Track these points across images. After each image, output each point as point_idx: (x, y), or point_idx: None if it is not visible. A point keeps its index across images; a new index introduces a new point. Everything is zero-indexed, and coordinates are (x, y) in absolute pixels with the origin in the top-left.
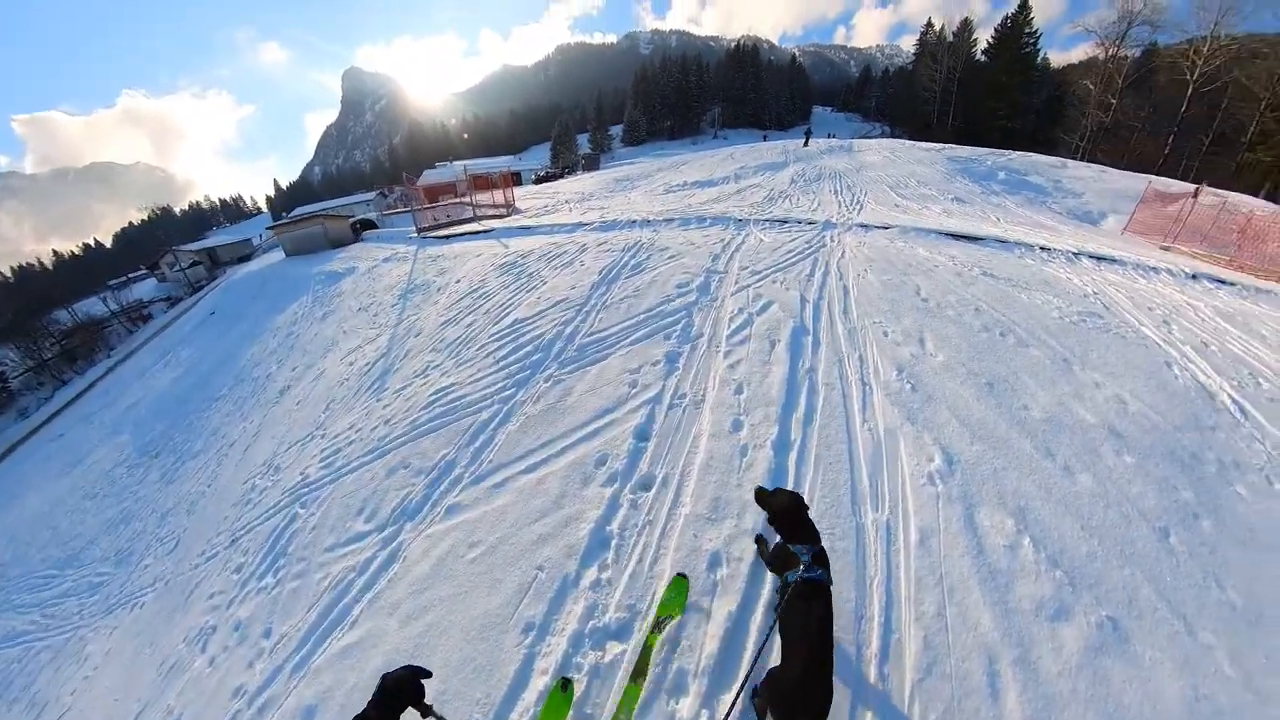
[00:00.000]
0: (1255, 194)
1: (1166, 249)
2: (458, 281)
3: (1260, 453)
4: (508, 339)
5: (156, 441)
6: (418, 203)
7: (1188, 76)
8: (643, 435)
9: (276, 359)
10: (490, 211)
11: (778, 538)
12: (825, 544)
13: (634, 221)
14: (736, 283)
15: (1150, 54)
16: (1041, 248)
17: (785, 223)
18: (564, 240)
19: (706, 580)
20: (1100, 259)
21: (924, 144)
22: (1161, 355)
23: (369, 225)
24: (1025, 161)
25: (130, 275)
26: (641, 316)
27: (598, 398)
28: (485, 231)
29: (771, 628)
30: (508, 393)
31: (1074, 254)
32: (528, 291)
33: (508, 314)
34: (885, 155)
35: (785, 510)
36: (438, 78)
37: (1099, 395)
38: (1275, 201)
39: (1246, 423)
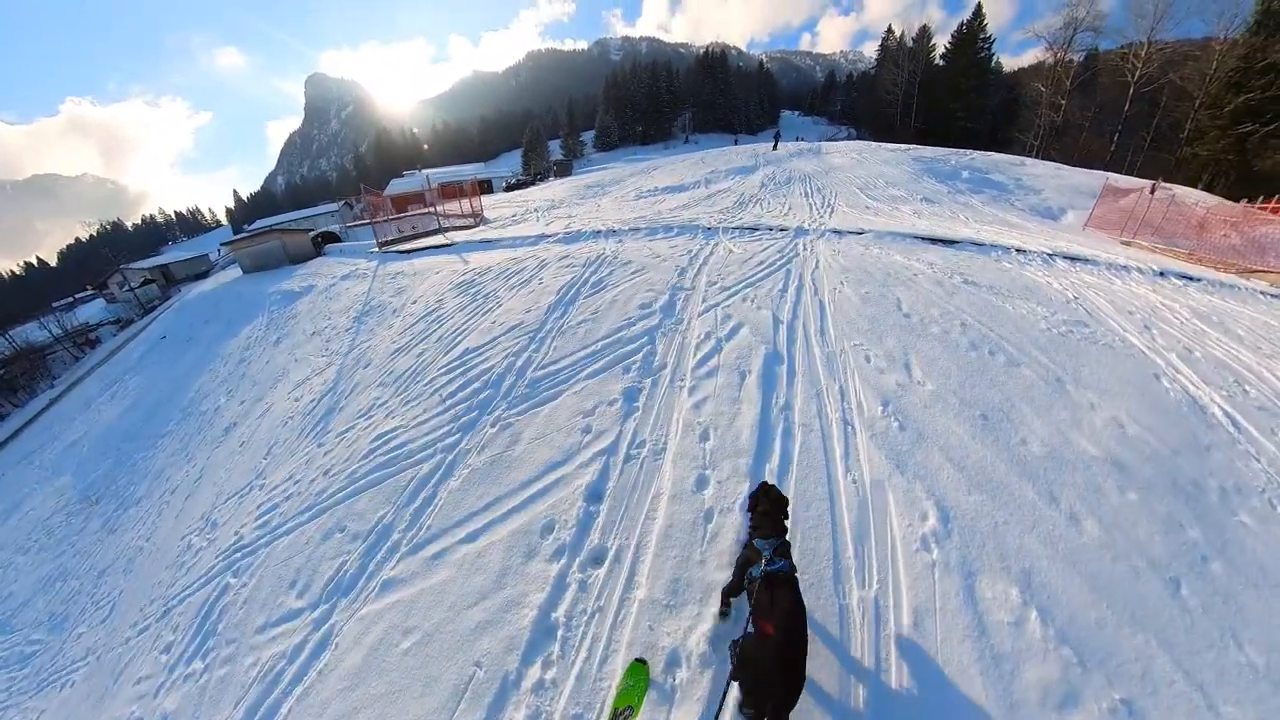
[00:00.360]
0: (1194, 186)
1: (1127, 244)
2: (414, 303)
3: (1259, 472)
4: (457, 372)
5: (99, 484)
6: (378, 216)
7: (1129, 78)
8: (595, 496)
9: (226, 389)
10: (457, 222)
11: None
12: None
13: (599, 232)
14: (704, 301)
15: (1093, 58)
16: (1017, 250)
17: (756, 230)
18: (525, 255)
19: (664, 683)
20: (1074, 259)
21: (889, 145)
22: (1149, 366)
23: (331, 239)
24: (987, 161)
25: (77, 296)
26: (599, 344)
27: (547, 448)
28: (447, 246)
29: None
30: (452, 439)
31: (1049, 255)
32: (482, 315)
33: (460, 341)
34: (853, 157)
35: (773, 506)
36: (407, 84)
37: (1097, 419)
38: (1213, 194)
39: (1241, 438)
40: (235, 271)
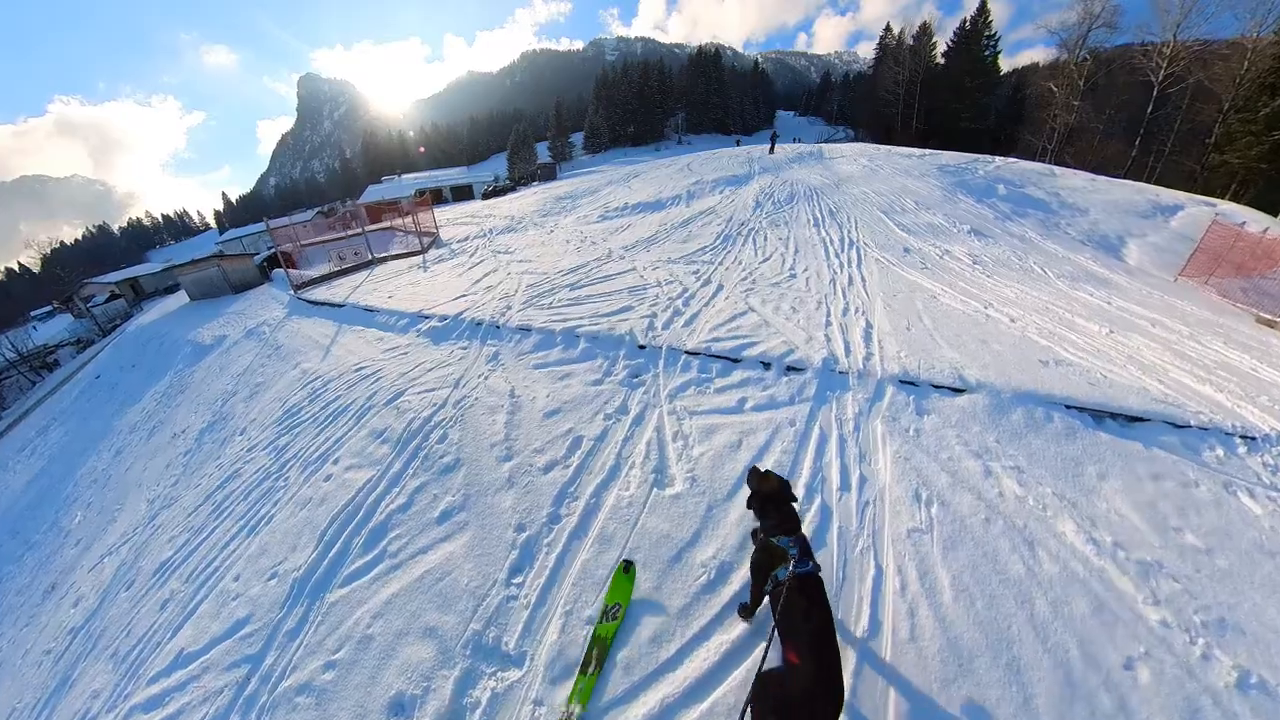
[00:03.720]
0: (1222, 197)
1: (1271, 323)
2: (240, 433)
3: None
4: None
5: None
6: (294, 247)
7: (1153, 79)
8: None
9: (85, 502)
10: (399, 247)
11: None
12: None
13: (482, 327)
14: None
15: (1109, 56)
16: (1242, 437)
17: (737, 363)
18: (376, 357)
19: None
20: None
21: (901, 150)
22: None
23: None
24: (1015, 171)
25: (32, 314)
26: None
27: None
28: (339, 306)
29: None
30: None
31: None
32: (249, 534)
33: (171, 638)
34: (864, 165)
35: (772, 494)
36: (401, 84)
37: None
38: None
39: None
40: (186, 296)
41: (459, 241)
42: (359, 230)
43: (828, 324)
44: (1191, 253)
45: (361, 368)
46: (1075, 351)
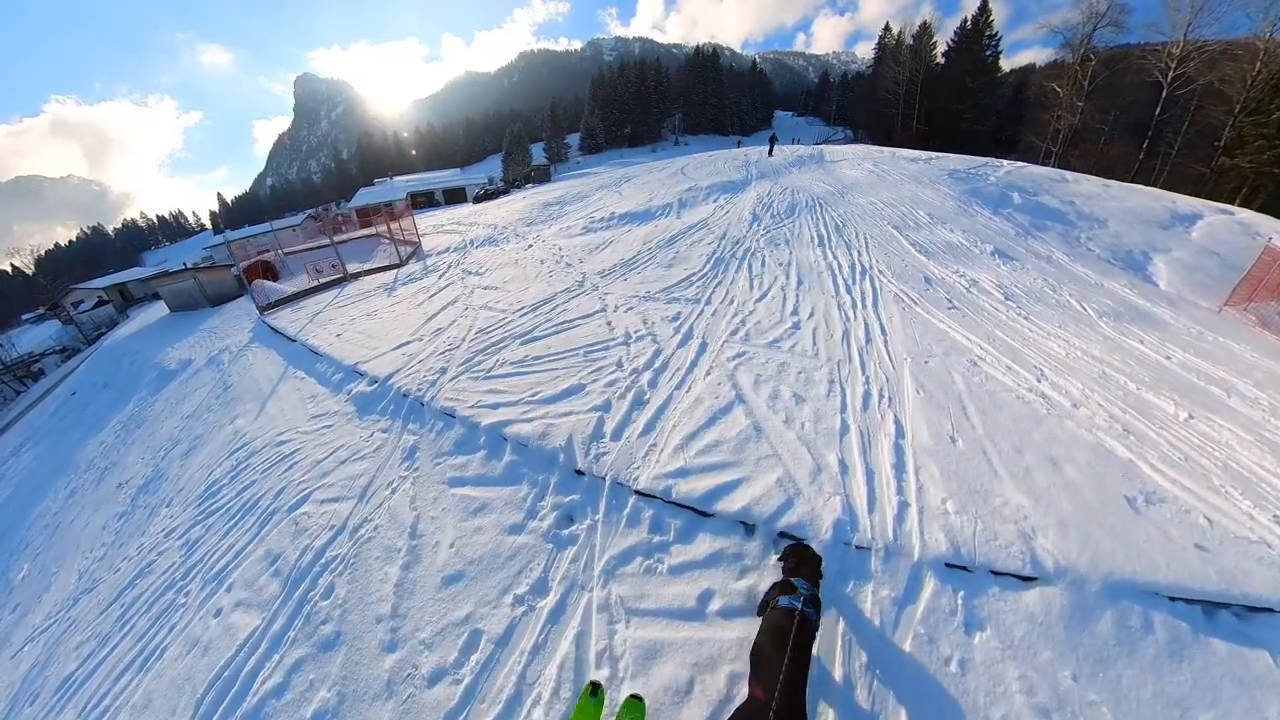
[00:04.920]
0: (1232, 202)
1: None
2: (166, 506)
3: None
4: None
5: None
6: (247, 263)
7: (1161, 80)
8: None
9: (34, 551)
10: (381, 257)
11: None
12: None
13: (404, 401)
14: None
15: (1114, 56)
16: None
17: (706, 518)
18: (295, 433)
19: None
20: None
21: (905, 152)
22: None
23: (265, 271)
24: (1027, 176)
25: (24, 316)
26: None
27: None
28: (291, 340)
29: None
30: None
31: None
32: (141, 670)
33: None
34: (869, 169)
35: (809, 560)
36: (399, 84)
37: None
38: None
39: None
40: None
41: (438, 254)
42: (329, 242)
43: (843, 432)
44: (1238, 283)
45: (283, 442)
46: (1163, 467)
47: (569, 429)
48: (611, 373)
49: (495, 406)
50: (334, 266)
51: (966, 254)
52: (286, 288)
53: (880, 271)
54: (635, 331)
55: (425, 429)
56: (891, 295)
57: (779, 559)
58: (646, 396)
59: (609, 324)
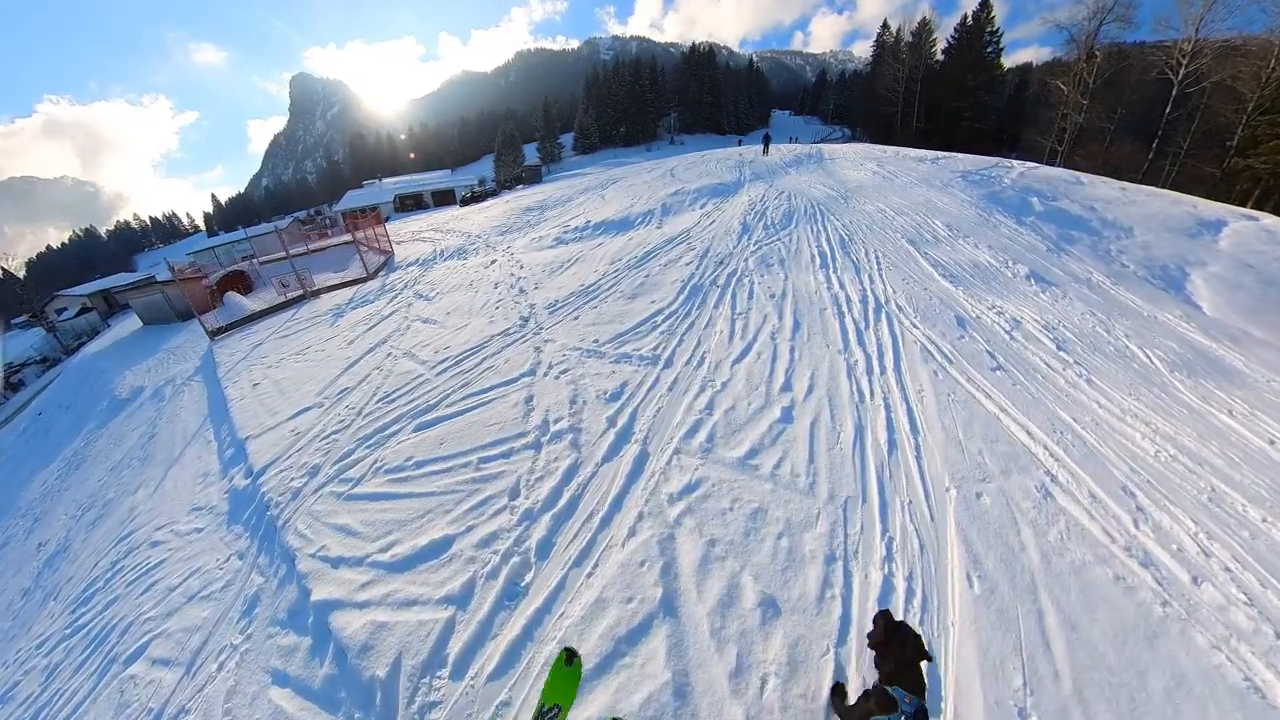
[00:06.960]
0: (1243, 204)
1: None
2: (52, 600)
3: None
4: None
5: None
6: (184, 282)
7: (1172, 77)
8: None
9: None
10: (354, 268)
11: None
12: None
13: (262, 521)
14: None
15: (1121, 53)
16: None
17: None
18: (163, 538)
19: None
20: None
21: (910, 151)
22: None
23: (238, 281)
24: (1041, 178)
25: (14, 321)
26: None
27: None
28: (219, 383)
29: None
30: None
31: None
32: None
33: None
34: (873, 170)
35: (903, 640)
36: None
37: None
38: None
39: None
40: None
41: (405, 267)
42: (298, 252)
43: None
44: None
45: (157, 543)
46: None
47: (400, 641)
48: (496, 514)
49: (336, 564)
50: (301, 280)
51: (998, 278)
52: (251, 304)
53: (899, 308)
54: (555, 421)
55: (270, 572)
56: (918, 348)
57: (868, 635)
58: (526, 580)
59: (529, 399)
